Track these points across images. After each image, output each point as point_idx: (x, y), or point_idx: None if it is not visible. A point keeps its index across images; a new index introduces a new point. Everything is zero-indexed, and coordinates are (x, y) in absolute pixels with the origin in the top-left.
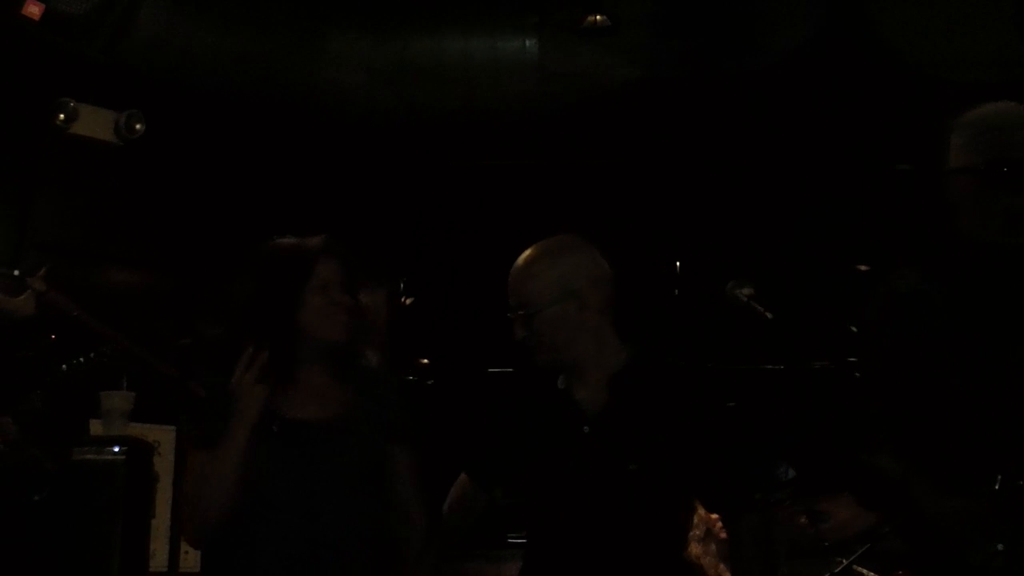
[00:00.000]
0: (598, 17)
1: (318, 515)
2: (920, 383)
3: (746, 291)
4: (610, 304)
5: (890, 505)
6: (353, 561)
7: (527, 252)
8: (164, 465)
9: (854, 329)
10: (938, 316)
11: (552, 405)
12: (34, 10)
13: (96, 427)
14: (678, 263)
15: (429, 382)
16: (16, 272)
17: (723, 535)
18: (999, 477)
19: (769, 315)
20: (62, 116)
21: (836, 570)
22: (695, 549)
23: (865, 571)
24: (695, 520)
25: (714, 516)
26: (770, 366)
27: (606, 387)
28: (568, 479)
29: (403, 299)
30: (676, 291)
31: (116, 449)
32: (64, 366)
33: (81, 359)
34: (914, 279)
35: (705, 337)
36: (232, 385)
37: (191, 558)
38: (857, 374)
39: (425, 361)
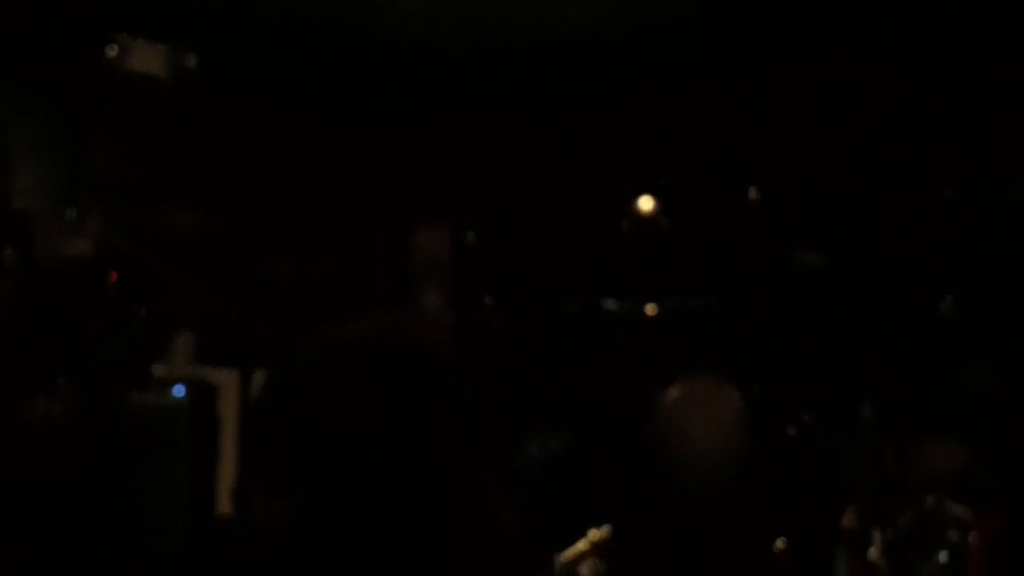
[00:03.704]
0: None
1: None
2: None
3: (811, 258)
4: None
5: (982, 428)
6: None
7: None
8: (228, 408)
9: (938, 258)
10: None
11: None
12: None
13: (160, 369)
14: (753, 188)
15: (494, 321)
16: (73, 213)
17: None
18: None
19: (840, 278)
20: (114, 52)
21: (926, 507)
22: None
23: (955, 507)
24: None
25: None
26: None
27: None
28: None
29: (466, 236)
30: (752, 219)
31: (180, 391)
32: (145, 312)
33: (166, 303)
34: None
35: (786, 271)
36: None
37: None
38: (945, 302)
39: (489, 300)
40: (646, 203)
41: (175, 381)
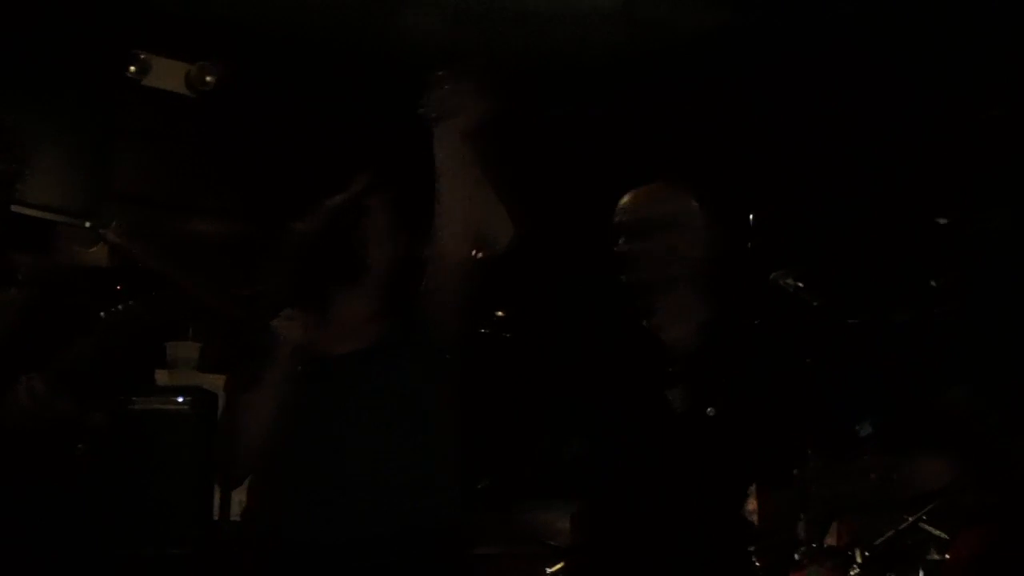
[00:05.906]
0: None
1: (344, 452)
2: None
3: (791, 280)
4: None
5: (964, 445)
6: (384, 497)
7: (651, 185)
8: None
9: (934, 283)
10: None
11: (637, 345)
12: None
13: (163, 376)
14: (751, 215)
15: (507, 335)
16: (87, 224)
17: None
18: None
19: (816, 303)
20: (134, 69)
21: (901, 527)
22: (751, 503)
23: (933, 529)
24: None
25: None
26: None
27: (695, 334)
28: (646, 417)
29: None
30: (749, 244)
31: (181, 399)
32: (103, 313)
33: (124, 306)
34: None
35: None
36: (272, 328)
37: None
38: (938, 325)
39: (501, 313)
40: None
41: (178, 389)
